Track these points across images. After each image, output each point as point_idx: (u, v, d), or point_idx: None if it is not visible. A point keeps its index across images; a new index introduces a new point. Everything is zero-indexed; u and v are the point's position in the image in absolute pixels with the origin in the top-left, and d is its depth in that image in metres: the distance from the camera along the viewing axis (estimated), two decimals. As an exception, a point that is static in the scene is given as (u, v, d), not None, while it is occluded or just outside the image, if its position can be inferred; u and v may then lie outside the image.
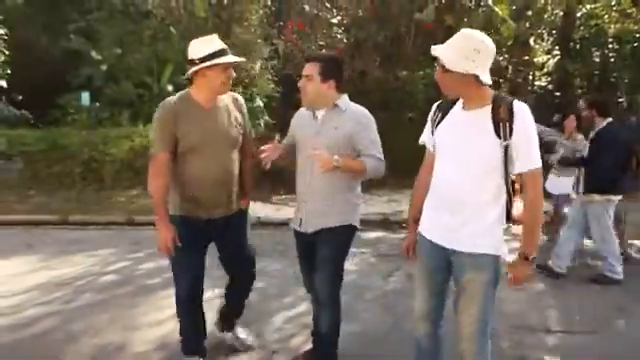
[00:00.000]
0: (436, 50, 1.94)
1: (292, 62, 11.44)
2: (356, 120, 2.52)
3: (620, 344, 3.24)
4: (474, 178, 1.97)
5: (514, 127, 1.89)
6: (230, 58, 2.47)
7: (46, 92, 10.56)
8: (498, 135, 1.91)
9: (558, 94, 10.51)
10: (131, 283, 4.21)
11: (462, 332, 2.06)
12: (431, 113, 2.19)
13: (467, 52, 1.87)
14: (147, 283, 4.21)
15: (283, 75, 13.67)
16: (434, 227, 2.13)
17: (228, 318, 3.01)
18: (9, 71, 10.70)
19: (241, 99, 2.73)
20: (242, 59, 2.65)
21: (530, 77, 10.36)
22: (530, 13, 9.10)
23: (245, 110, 2.74)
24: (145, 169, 8.60)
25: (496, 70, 9.24)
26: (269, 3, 15.53)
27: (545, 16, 9.42)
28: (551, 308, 3.81)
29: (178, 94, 2.57)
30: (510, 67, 9.37)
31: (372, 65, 9.14)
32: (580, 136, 5.00)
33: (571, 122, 5.13)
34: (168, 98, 2.55)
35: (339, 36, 10.54)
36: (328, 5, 10.63)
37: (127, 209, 7.17)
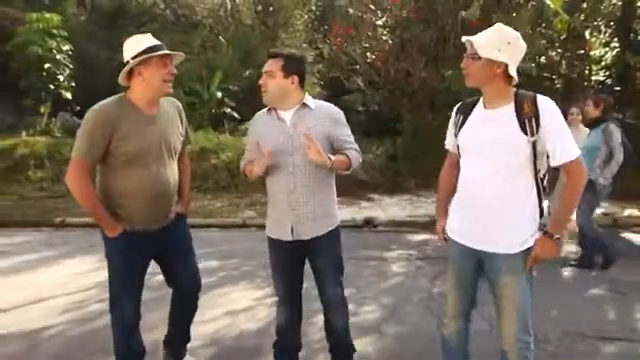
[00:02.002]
0: (469, 37, 1.96)
1: (337, 66, 11.50)
2: (331, 117, 2.45)
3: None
4: (503, 177, 1.95)
5: (541, 122, 1.88)
6: (163, 51, 2.26)
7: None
8: (524, 132, 1.89)
9: (618, 89, 9.95)
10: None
11: (505, 335, 2.04)
12: (452, 116, 2.20)
13: (499, 43, 1.89)
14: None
15: (329, 79, 13.81)
16: (463, 229, 2.12)
17: (175, 346, 2.74)
18: (73, 84, 11.48)
19: (179, 104, 2.54)
20: (179, 53, 2.39)
21: (586, 72, 9.84)
22: (585, 4, 8.68)
23: (184, 115, 2.56)
24: (196, 174, 8.97)
25: (549, 65, 8.88)
26: (314, 8, 15.76)
27: (602, 7, 8.93)
28: (608, 314, 3.64)
29: (115, 97, 2.32)
30: (564, 62, 8.95)
31: (417, 66, 9.03)
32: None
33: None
34: (103, 101, 2.28)
35: (384, 38, 10.49)
36: (373, 7, 10.61)
37: (180, 212, 7.47)
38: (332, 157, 2.33)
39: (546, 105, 1.90)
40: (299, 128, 2.35)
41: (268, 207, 2.59)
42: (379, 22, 10.29)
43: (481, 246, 2.03)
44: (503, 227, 1.97)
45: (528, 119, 1.88)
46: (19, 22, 11.53)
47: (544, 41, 8.07)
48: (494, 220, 1.98)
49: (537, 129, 1.88)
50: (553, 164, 1.94)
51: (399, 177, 9.05)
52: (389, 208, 7.66)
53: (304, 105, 2.42)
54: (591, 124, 4.60)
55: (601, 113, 4.48)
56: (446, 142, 2.29)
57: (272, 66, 2.36)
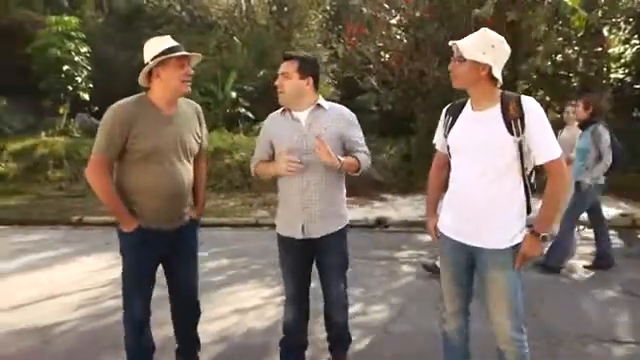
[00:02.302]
0: (455, 41, 2.03)
1: (351, 65, 11.48)
2: (345, 118, 2.51)
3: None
4: (490, 178, 2.01)
5: (525, 122, 1.93)
6: (181, 52, 2.31)
7: (122, 103, 11.50)
8: (510, 132, 1.95)
9: (638, 87, 9.74)
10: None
11: (499, 333, 2.07)
12: (442, 117, 2.25)
13: (483, 46, 1.96)
14: (210, 280, 4.43)
15: (343, 79, 13.79)
16: (455, 226, 2.17)
17: (184, 355, 2.73)
18: (91, 85, 11.70)
19: (198, 107, 2.58)
20: (196, 54, 2.43)
21: (605, 70, 9.64)
22: (603, 1, 8.50)
23: (203, 121, 2.59)
24: (210, 174, 9.01)
25: (565, 64, 8.73)
26: (328, 8, 15.75)
27: (621, 3, 8.74)
28: (621, 317, 3.56)
29: (134, 96, 2.38)
30: (581, 60, 8.78)
31: (431, 65, 8.96)
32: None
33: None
34: (122, 100, 2.35)
35: (398, 37, 10.44)
36: (387, 6, 10.56)
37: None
38: (341, 159, 2.38)
39: (530, 106, 1.97)
40: (314, 128, 2.42)
41: (279, 206, 2.63)
42: (393, 21, 10.25)
43: (471, 242, 2.09)
44: (492, 226, 2.04)
45: (514, 120, 1.94)
46: (39, 25, 11.82)
47: (560, 39, 7.94)
48: (484, 220, 2.05)
49: (522, 129, 1.94)
50: (536, 163, 2.00)
51: (412, 177, 9.01)
52: (402, 208, 7.63)
53: (318, 106, 2.49)
54: (581, 126, 4.59)
55: (590, 115, 4.45)
56: (434, 141, 2.33)
57: (288, 68, 2.42)
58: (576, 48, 8.61)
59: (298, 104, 2.47)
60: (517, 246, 2.01)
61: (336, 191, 2.53)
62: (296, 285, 2.62)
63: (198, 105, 2.59)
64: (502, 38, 2.01)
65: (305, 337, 2.75)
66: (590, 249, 5.39)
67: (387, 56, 10.25)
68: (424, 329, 3.34)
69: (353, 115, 2.57)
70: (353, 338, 2.89)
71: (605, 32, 8.96)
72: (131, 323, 2.49)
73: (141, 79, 2.35)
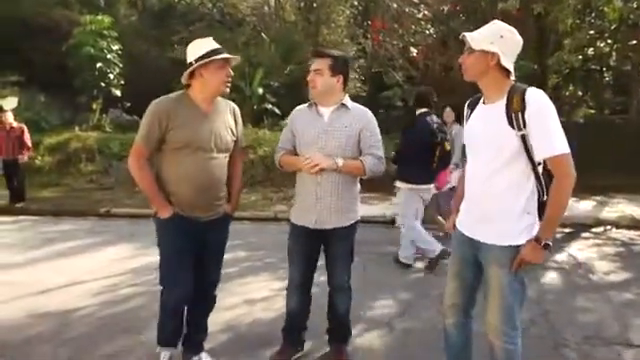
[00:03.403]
0: (465, 33, 2.02)
1: (377, 61, 11.43)
2: (366, 118, 2.61)
3: None
4: (493, 170, 1.98)
5: (526, 117, 1.87)
6: (223, 55, 2.44)
7: (153, 99, 11.84)
8: (512, 125, 1.90)
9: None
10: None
11: (488, 323, 2.09)
12: (464, 111, 2.24)
13: (492, 36, 1.95)
14: (224, 271, 4.51)
15: (370, 74, 13.72)
16: (464, 219, 2.18)
17: (192, 341, 2.80)
18: (122, 82, 12.09)
19: (236, 107, 2.69)
20: (236, 57, 2.57)
21: (640, 64, 9.22)
22: (640, -9, 8.12)
23: (240, 120, 2.70)
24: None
25: (597, 57, 8.40)
26: (356, 3, 15.68)
27: (659, -7, 8.33)
28: (637, 320, 3.44)
29: (176, 92, 2.54)
30: (614, 53, 8.42)
31: (456, 60, 8.81)
32: (456, 127, 5.44)
33: (449, 114, 5.58)
34: (163, 96, 2.51)
35: (427, 32, 10.32)
36: (416, 0, 10.43)
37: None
38: (340, 163, 2.49)
39: (532, 99, 1.89)
40: (335, 125, 2.54)
41: (295, 196, 2.74)
42: (419, 16, 10.13)
43: (474, 235, 2.09)
44: (493, 218, 2.01)
45: (515, 113, 1.89)
46: (76, 24, 12.29)
47: (592, 31, 7.65)
48: (485, 214, 2.04)
49: (524, 124, 1.88)
50: (536, 158, 1.92)
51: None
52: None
53: (343, 105, 2.59)
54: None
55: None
56: (463, 138, 2.32)
57: (321, 64, 2.53)
58: (609, 41, 8.26)
59: (326, 100, 2.58)
60: (518, 247, 1.95)
61: (349, 187, 2.62)
62: (301, 272, 2.73)
63: (235, 105, 2.71)
64: (513, 29, 1.98)
65: (305, 322, 2.87)
66: (613, 249, 5.23)
67: (415, 52, 10.14)
68: (428, 325, 3.33)
69: (374, 118, 2.65)
70: (356, 332, 2.92)
71: (641, 24, 8.56)
72: (168, 310, 2.59)
73: (184, 77, 2.48)
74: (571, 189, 1.89)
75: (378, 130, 2.65)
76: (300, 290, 2.76)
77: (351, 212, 2.64)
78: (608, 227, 6.19)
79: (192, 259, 2.55)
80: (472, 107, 2.18)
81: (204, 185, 2.49)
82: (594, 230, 6.09)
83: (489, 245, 2.02)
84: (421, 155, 4.34)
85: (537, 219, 1.97)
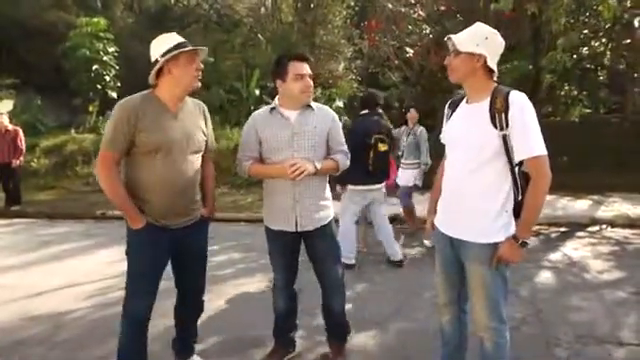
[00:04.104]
0: (450, 35, 2.07)
1: (372, 61, 11.44)
2: (331, 118, 2.67)
3: None
4: (471, 169, 2.02)
5: (509, 117, 1.91)
6: (192, 47, 2.31)
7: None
8: (494, 126, 1.94)
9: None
10: (204, 273, 4.57)
11: (476, 321, 2.12)
12: (445, 111, 2.27)
13: (477, 38, 2.01)
14: (218, 274, 4.54)
15: (367, 75, 13.73)
16: (443, 218, 2.21)
17: (182, 344, 2.74)
18: (119, 84, 12.08)
19: (205, 107, 2.57)
20: (204, 48, 2.40)
21: (635, 63, 9.22)
22: (635, -10, 8.14)
23: (209, 120, 2.58)
24: (230, 170, 9.17)
25: (591, 57, 8.41)
26: (352, 4, 15.69)
27: (654, -7, 8.35)
28: (629, 319, 3.43)
29: (141, 93, 2.35)
30: (609, 53, 8.44)
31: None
32: (420, 128, 5.73)
33: (412, 115, 5.74)
34: (129, 97, 2.33)
35: (423, 32, 10.32)
36: (412, 1, 10.44)
37: (212, 206, 7.70)
38: (318, 166, 2.53)
39: (515, 100, 1.94)
40: (304, 127, 2.55)
41: (266, 200, 2.68)
42: (414, 16, 10.14)
43: (453, 233, 2.13)
44: (471, 219, 2.05)
45: (498, 113, 1.94)
46: (72, 26, 12.28)
47: (586, 31, 7.66)
48: (463, 212, 2.07)
49: (506, 124, 1.92)
50: (515, 159, 1.96)
51: (432, 174, 8.89)
52: (418, 205, 7.54)
53: (308, 106, 2.61)
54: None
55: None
56: (441, 136, 2.32)
57: (309, 69, 2.55)
58: (603, 40, 8.28)
59: (294, 103, 2.58)
60: (496, 244, 2.00)
61: (323, 186, 2.68)
62: (286, 275, 2.74)
63: (204, 105, 2.57)
64: (495, 30, 2.06)
65: (295, 321, 2.89)
66: (608, 248, 5.24)
67: (411, 52, 10.16)
68: (422, 325, 3.34)
69: (336, 115, 2.73)
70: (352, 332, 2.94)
71: (636, 23, 8.57)
72: (131, 322, 2.42)
73: (151, 77, 2.33)
74: (547, 189, 1.95)
75: (340, 125, 2.72)
76: (285, 292, 2.78)
77: (328, 209, 2.69)
78: (603, 226, 6.20)
79: (162, 272, 2.42)
80: (453, 107, 2.22)
81: (179, 189, 2.36)
82: (589, 229, 6.09)
83: (468, 243, 2.06)
84: (355, 156, 4.41)
85: (513, 218, 2.02)
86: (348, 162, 2.71)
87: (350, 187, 4.56)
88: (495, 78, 2.05)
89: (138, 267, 2.37)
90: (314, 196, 2.59)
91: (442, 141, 2.29)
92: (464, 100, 2.16)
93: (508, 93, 1.95)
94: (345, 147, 2.70)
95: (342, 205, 4.63)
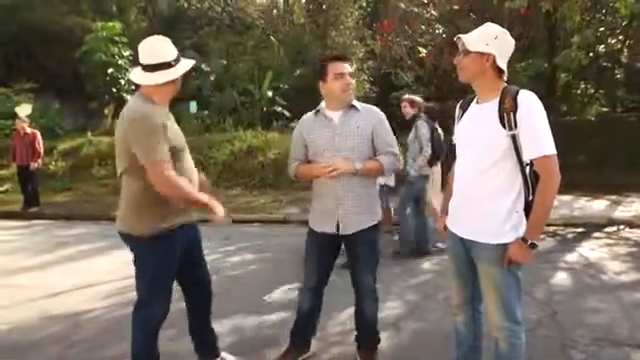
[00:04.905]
0: (460, 35, 2.07)
1: (384, 61, 11.41)
2: (376, 117, 2.61)
3: None
4: (482, 169, 2.01)
5: (518, 117, 1.90)
6: (192, 61, 2.41)
7: (163, 103, 12.02)
8: (503, 125, 1.93)
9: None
10: (218, 273, 4.59)
11: (491, 322, 2.11)
12: (456, 112, 2.26)
13: (487, 38, 2.00)
14: (232, 274, 4.59)
15: (379, 75, 13.69)
16: (454, 218, 2.21)
17: (207, 345, 2.74)
18: (133, 87, 12.23)
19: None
20: (192, 60, 2.46)
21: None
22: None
23: None
24: (244, 171, 9.28)
25: (608, 54, 8.28)
26: (364, 5, 15.68)
27: (672, -11, 8.18)
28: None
29: (146, 100, 2.28)
30: (626, 50, 8.29)
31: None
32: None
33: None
34: (140, 107, 2.24)
35: (436, 32, 10.27)
36: (425, 0, 10.39)
37: (226, 207, 7.73)
38: (359, 166, 2.49)
39: (524, 100, 1.93)
40: (347, 127, 2.54)
41: (313, 202, 2.72)
42: (427, 15, 10.09)
43: (464, 234, 2.12)
44: (481, 219, 2.04)
45: (507, 113, 1.93)
46: (88, 31, 12.48)
47: (602, 28, 7.54)
48: (474, 213, 2.06)
49: (515, 124, 1.91)
50: (524, 159, 1.95)
51: (445, 174, 8.84)
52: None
53: (352, 106, 2.60)
54: (410, 122, 5.08)
55: (417, 111, 5.01)
56: (454, 137, 2.31)
57: (349, 68, 2.56)
58: (620, 37, 8.13)
59: (336, 104, 2.59)
60: (506, 245, 1.99)
61: (368, 188, 2.62)
62: (317, 277, 2.73)
63: None
64: (505, 30, 2.05)
65: (315, 324, 2.88)
66: (626, 249, 5.15)
67: (424, 52, 10.10)
68: (435, 326, 3.32)
69: (384, 116, 2.65)
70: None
71: (655, 20, 8.42)
72: (149, 328, 2.42)
73: (157, 80, 2.28)
74: (556, 189, 1.93)
75: (389, 127, 2.63)
76: (313, 293, 2.77)
77: (372, 213, 2.63)
78: (621, 227, 6.09)
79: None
80: (464, 108, 2.21)
81: (195, 183, 2.43)
82: (607, 230, 5.99)
83: (479, 243, 2.05)
84: None
85: (524, 218, 2.00)
86: (399, 164, 2.63)
87: None
88: (505, 78, 2.03)
89: (160, 273, 2.38)
90: (356, 198, 2.55)
91: (454, 142, 2.29)
92: (474, 101, 2.16)
93: (517, 92, 1.94)
94: (394, 149, 2.60)
95: None
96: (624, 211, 6.74)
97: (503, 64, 2.00)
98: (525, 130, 1.90)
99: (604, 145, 8.34)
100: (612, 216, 6.49)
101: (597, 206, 7.08)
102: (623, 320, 3.36)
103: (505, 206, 1.99)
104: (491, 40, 1.98)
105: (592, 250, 5.11)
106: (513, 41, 2.04)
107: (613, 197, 7.49)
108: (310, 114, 2.70)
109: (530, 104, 1.92)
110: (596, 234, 5.81)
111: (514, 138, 1.92)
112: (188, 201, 2.32)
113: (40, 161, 8.04)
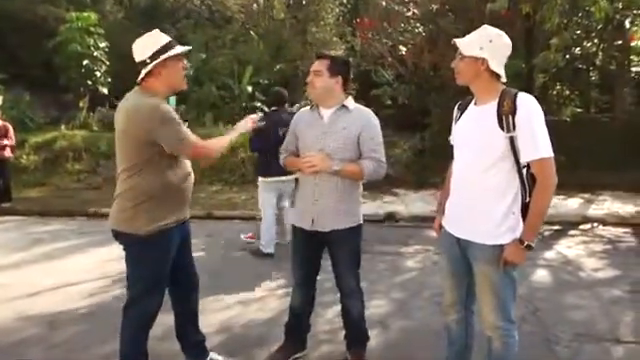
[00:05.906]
0: (456, 39, 2.09)
1: (365, 59, 11.42)
2: (365, 120, 2.58)
3: None
4: (479, 170, 2.04)
5: (516, 119, 1.93)
6: (184, 48, 2.35)
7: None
8: (502, 128, 1.95)
9: (661, 80, 9.44)
10: (203, 271, 4.50)
11: (485, 321, 2.14)
12: (454, 113, 2.28)
13: (481, 41, 2.02)
14: (217, 270, 4.52)
15: (359, 73, 13.70)
16: (450, 218, 2.23)
17: (195, 346, 2.71)
18: (109, 79, 11.93)
19: None
20: (189, 47, 2.44)
21: (626, 63, 9.36)
22: (626, -9, 8.24)
23: None
24: (225, 168, 9.12)
25: (584, 57, 8.51)
26: (345, 1, 15.66)
27: (644, -6, 8.46)
28: (626, 317, 3.49)
29: (148, 97, 2.27)
30: (601, 53, 8.54)
31: (447, 59, 8.85)
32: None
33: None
34: (147, 98, 2.25)
35: (416, 30, 10.33)
36: (406, -1, 10.43)
37: (207, 204, 7.65)
38: (337, 167, 2.48)
39: (523, 102, 1.96)
40: (334, 127, 2.54)
41: (295, 197, 2.74)
42: (408, 14, 10.15)
43: (460, 234, 2.15)
44: (478, 220, 2.06)
45: (505, 115, 1.95)
46: (62, 21, 12.07)
47: (579, 31, 7.74)
48: (471, 213, 2.09)
49: (514, 126, 1.93)
50: (521, 161, 1.97)
51: (426, 172, 8.94)
52: (413, 203, 7.60)
53: (343, 106, 2.59)
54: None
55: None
56: (450, 137, 2.34)
57: (320, 66, 2.55)
58: (595, 41, 8.37)
59: (326, 101, 2.59)
60: (502, 246, 2.02)
61: (349, 190, 2.59)
62: (303, 272, 2.76)
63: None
64: (502, 33, 2.06)
65: (308, 320, 2.89)
66: (601, 246, 5.31)
67: (405, 49, 10.17)
68: (423, 324, 3.36)
69: (376, 120, 2.61)
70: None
71: (627, 24, 8.70)
72: (142, 321, 2.39)
73: (140, 78, 2.28)
74: (553, 192, 1.97)
75: (380, 132, 2.60)
76: (302, 289, 2.80)
77: (351, 215, 2.60)
78: (595, 224, 6.28)
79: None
80: (462, 109, 2.23)
81: (191, 184, 2.46)
82: (581, 227, 6.17)
83: (475, 244, 2.07)
84: (264, 149, 4.64)
85: (521, 219, 2.03)
86: (382, 171, 2.56)
87: (262, 179, 4.89)
88: (504, 80, 2.05)
89: (156, 271, 2.37)
90: (334, 198, 2.54)
91: (451, 143, 2.31)
92: (472, 102, 2.18)
93: (516, 95, 1.97)
94: (379, 155, 2.54)
95: (259, 197, 5.03)
96: (597, 209, 6.96)
97: (498, 67, 2.02)
98: (523, 132, 1.93)
99: (578, 145, 8.56)
100: (586, 214, 6.69)
101: (571, 204, 7.28)
102: (602, 316, 3.47)
103: (502, 207, 2.01)
104: (485, 44, 2.00)
105: (569, 248, 5.26)
106: (510, 43, 2.05)
107: (586, 195, 7.71)
108: (307, 109, 2.74)
109: (529, 107, 1.95)
110: (572, 232, 5.98)
111: (512, 140, 1.94)
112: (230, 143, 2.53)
113: (12, 153, 7.76)
